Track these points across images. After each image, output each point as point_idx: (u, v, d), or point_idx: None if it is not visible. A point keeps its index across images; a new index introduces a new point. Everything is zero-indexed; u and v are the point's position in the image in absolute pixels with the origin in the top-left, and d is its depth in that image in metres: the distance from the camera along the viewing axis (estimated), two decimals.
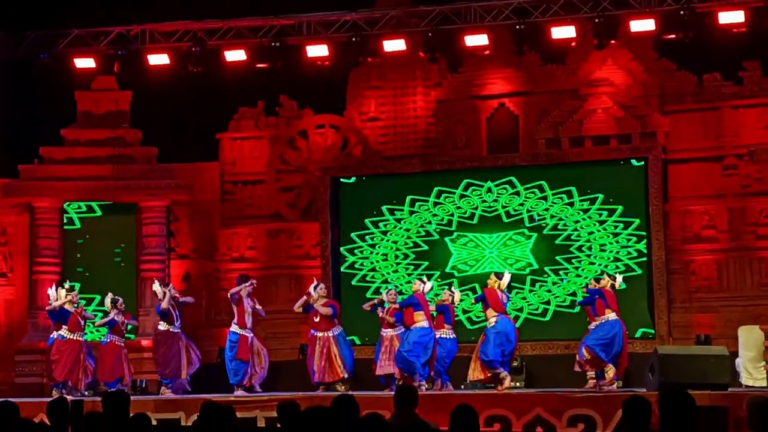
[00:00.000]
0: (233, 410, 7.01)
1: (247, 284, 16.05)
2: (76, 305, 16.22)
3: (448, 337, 15.38)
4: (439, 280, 17.69)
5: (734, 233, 17.22)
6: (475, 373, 14.89)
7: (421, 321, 14.81)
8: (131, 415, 6.97)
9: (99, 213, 19.36)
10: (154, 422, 7.27)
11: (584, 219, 17.70)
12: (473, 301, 15.90)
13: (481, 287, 16.46)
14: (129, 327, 16.82)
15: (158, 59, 18.14)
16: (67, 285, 16.53)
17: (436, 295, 16.07)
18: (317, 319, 15.96)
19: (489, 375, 14.74)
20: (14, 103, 19.28)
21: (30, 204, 18.96)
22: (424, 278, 15.81)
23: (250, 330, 15.98)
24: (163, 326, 16.16)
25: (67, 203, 19.13)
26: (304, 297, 16.22)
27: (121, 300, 16.45)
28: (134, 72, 18.22)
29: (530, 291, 17.79)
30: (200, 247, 19.37)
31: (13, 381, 18.20)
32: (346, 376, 15.80)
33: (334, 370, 15.73)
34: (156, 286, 16.34)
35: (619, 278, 15.19)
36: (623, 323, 14.68)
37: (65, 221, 19.17)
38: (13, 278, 19.11)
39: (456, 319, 16.12)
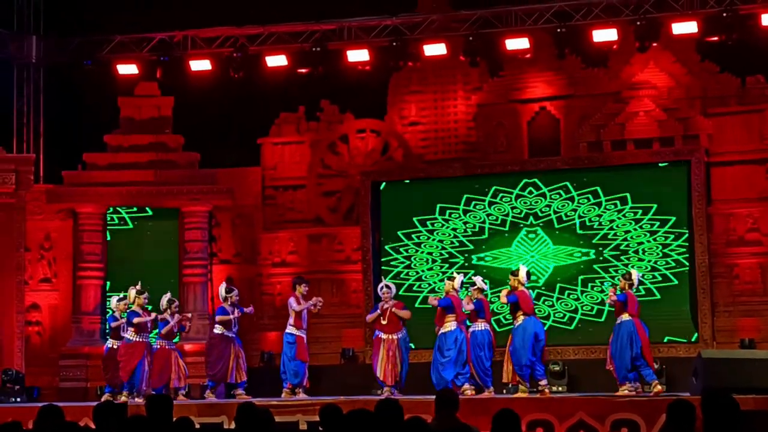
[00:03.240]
0: (270, 413, 7.02)
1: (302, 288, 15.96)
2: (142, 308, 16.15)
3: (480, 329, 15.19)
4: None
5: None
6: (508, 374, 14.86)
7: (450, 323, 14.88)
8: (174, 418, 7.01)
9: (142, 218, 19.51)
10: (197, 426, 7.30)
11: (627, 222, 17.59)
12: (505, 300, 14.89)
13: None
14: (182, 329, 16.60)
15: (200, 65, 18.29)
16: (138, 287, 16.35)
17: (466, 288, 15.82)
18: (385, 321, 15.82)
19: (518, 380, 14.73)
20: (58, 109, 19.49)
21: (74, 210, 19.11)
22: (454, 273, 15.57)
23: (304, 331, 15.91)
24: (218, 329, 15.99)
25: (110, 209, 19.28)
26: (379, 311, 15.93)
27: (177, 302, 16.34)
28: (176, 78, 18.41)
29: (566, 296, 17.71)
30: (242, 252, 19.45)
31: (58, 385, 18.36)
32: (398, 380, 15.65)
33: (395, 373, 15.58)
34: (222, 289, 16.26)
35: (635, 273, 14.84)
36: (638, 323, 14.31)
37: (109, 226, 19.32)
38: (58, 283, 19.26)
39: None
